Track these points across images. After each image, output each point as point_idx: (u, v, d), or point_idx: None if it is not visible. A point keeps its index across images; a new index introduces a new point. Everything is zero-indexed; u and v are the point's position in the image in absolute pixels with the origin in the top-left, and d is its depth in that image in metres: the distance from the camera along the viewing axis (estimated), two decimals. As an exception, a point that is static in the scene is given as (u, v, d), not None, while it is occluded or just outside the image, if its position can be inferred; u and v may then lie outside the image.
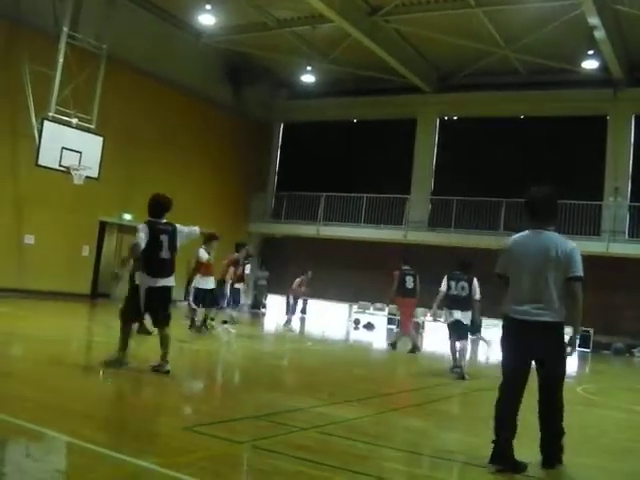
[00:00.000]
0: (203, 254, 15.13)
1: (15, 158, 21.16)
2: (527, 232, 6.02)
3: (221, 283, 16.63)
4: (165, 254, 8.84)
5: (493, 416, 5.71)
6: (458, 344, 12.52)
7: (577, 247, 5.86)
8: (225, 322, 17.20)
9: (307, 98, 30.03)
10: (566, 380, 5.83)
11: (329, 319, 28.42)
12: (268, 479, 4.78)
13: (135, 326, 10.34)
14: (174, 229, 9.03)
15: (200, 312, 15.89)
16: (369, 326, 27.10)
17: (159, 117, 25.65)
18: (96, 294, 24.63)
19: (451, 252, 22.87)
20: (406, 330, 17.16)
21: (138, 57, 24.25)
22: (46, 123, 20.15)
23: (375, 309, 27.91)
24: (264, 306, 30.02)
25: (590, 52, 22.50)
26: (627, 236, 24.90)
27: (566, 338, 5.83)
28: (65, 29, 21.00)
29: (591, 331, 23.99)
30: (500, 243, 23.08)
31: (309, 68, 26.34)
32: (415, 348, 16.45)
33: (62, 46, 20.85)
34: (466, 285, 12.50)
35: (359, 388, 7.77)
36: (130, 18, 23.78)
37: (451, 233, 26.60)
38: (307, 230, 29.70)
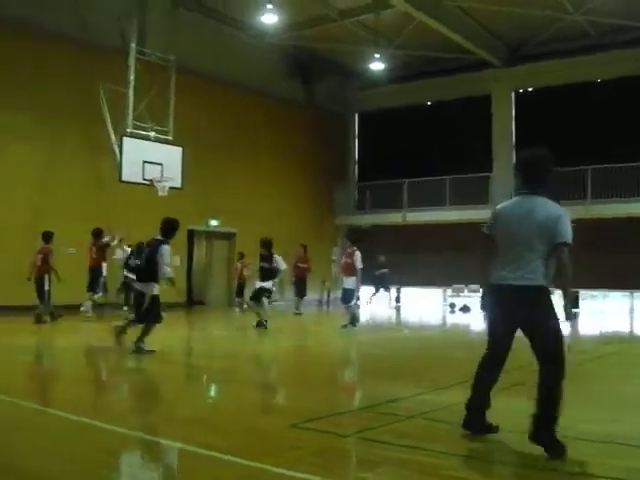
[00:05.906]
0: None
1: (98, 176, 21.58)
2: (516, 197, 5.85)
3: None
4: None
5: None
6: None
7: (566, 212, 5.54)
8: None
9: (378, 86, 29.76)
10: None
11: (424, 305, 28.23)
12: (376, 469, 4.74)
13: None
14: None
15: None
16: (465, 309, 26.65)
17: (233, 121, 25.86)
18: (192, 301, 25.03)
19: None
20: None
21: (206, 64, 24.45)
22: (125, 139, 20.52)
23: (470, 291, 27.35)
24: (358, 297, 29.92)
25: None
26: None
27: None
28: (133, 45, 21.34)
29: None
30: (588, 212, 22.61)
31: (377, 55, 26.11)
32: None
33: (132, 62, 21.18)
34: None
35: (461, 372, 7.62)
36: (193, 27, 23.96)
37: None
38: (393, 218, 29.57)
